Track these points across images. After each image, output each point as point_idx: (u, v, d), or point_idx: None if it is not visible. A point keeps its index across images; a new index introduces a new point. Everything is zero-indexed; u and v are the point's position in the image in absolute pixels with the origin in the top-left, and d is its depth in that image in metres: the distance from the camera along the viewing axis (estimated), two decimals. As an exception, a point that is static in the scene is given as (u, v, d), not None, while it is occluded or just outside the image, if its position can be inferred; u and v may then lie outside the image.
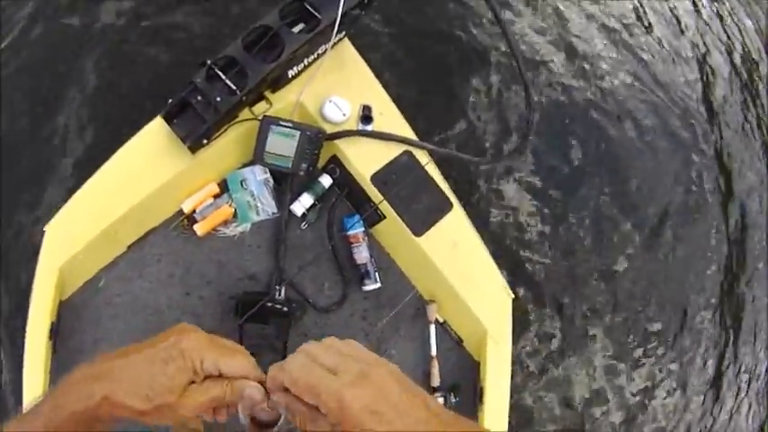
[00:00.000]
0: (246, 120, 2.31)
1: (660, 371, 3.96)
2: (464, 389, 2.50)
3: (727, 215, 4.34)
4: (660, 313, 4.04)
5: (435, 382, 2.48)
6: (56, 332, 2.21)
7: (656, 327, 4.01)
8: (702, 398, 4.05)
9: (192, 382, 0.90)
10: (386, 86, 2.52)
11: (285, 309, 2.37)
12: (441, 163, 2.52)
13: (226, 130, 2.28)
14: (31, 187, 3.33)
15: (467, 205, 2.55)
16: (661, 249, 4.12)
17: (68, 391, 0.89)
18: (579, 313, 3.87)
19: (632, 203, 4.13)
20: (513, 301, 2.49)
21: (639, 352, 3.95)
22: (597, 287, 3.93)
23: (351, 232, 2.49)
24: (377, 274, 2.51)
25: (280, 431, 0.96)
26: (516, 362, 3.60)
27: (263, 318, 2.32)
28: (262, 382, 0.92)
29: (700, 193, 4.31)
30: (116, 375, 0.89)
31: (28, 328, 2.15)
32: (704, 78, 4.69)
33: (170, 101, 2.17)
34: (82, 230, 2.22)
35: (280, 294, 2.42)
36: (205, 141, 2.23)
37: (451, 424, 0.78)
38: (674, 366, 4.00)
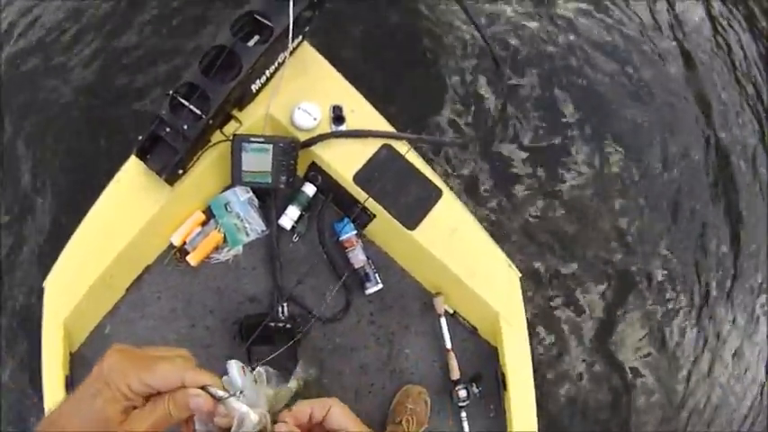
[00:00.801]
0: (219, 142, 2.27)
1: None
2: (486, 377, 2.46)
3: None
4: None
5: (455, 374, 2.44)
6: (71, 385, 2.20)
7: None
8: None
9: (135, 407, 0.82)
10: (354, 82, 2.47)
11: (288, 326, 2.34)
12: (422, 151, 2.47)
13: (200, 156, 2.25)
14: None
15: (455, 190, 2.49)
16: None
17: None
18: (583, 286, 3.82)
19: (625, 166, 4.05)
20: (520, 279, 2.43)
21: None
22: (597, 260, 3.88)
23: (343, 237, 2.46)
24: (377, 275, 2.48)
25: None
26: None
27: (268, 338, 2.29)
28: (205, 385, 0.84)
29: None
30: (63, 423, 0.80)
31: (44, 386, 2.15)
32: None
33: (140, 137, 2.14)
34: (79, 281, 2.22)
35: (282, 312, 2.41)
36: (181, 171, 2.20)
37: None
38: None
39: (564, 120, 3.99)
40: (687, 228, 4.02)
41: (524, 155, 3.88)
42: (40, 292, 2.23)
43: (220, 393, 0.84)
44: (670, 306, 3.90)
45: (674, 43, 4.40)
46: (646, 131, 4.12)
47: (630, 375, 3.78)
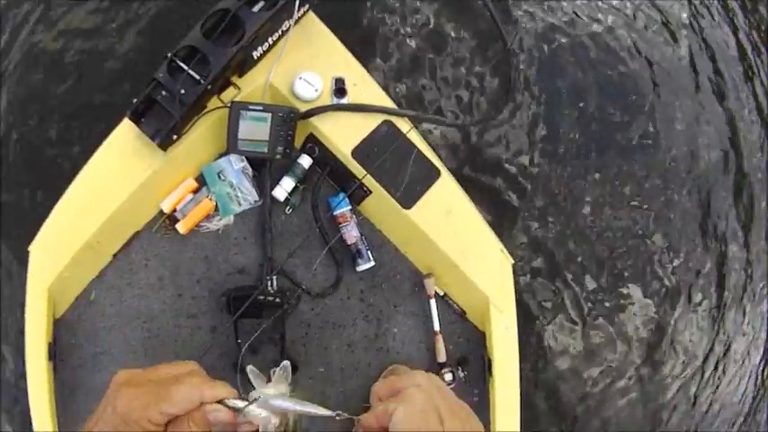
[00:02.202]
0: (216, 108, 2.21)
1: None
2: (472, 362, 2.44)
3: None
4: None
5: (441, 357, 2.42)
6: (54, 352, 2.18)
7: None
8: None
9: None
10: (359, 57, 2.42)
11: (278, 300, 2.29)
12: (421, 130, 2.43)
13: (195, 122, 2.18)
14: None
15: (453, 172, 2.45)
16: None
17: None
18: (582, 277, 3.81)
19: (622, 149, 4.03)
20: (513, 265, 2.41)
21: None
22: (597, 247, 3.87)
23: (337, 212, 2.40)
24: (369, 252, 2.43)
25: None
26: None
27: (257, 312, 2.24)
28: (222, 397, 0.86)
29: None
30: None
31: (26, 352, 2.12)
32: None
33: (134, 100, 2.08)
34: (65, 246, 2.17)
35: (271, 285, 2.35)
36: (175, 137, 2.14)
37: None
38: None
39: (568, 110, 3.95)
40: (690, 221, 4.03)
41: (526, 141, 3.84)
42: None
43: (239, 404, 0.87)
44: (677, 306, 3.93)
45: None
46: (661, 124, 4.09)
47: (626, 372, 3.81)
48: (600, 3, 4.20)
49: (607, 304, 3.81)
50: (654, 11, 4.27)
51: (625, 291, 3.85)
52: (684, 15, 4.33)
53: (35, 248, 2.16)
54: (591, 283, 3.81)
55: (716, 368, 3.96)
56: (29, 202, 3.29)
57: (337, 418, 0.93)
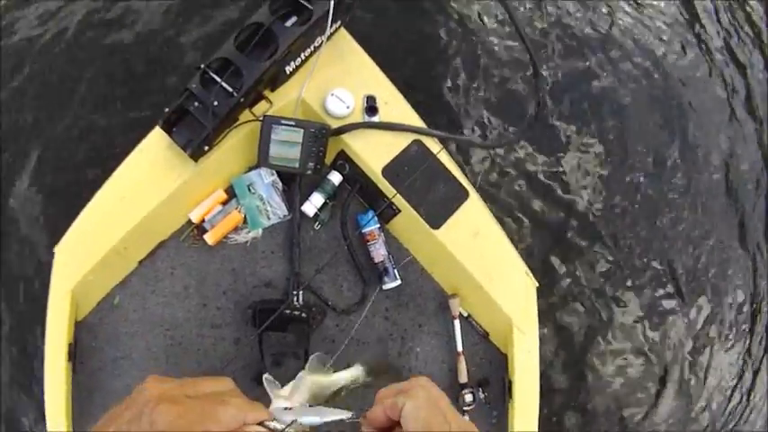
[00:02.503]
0: (247, 122, 2.22)
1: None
2: (492, 383, 2.42)
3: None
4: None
5: (463, 378, 2.39)
6: (74, 354, 2.18)
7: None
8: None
9: None
10: (388, 75, 2.43)
11: (304, 315, 2.29)
12: (450, 150, 2.43)
13: (227, 134, 2.20)
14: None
15: (480, 192, 2.45)
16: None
17: None
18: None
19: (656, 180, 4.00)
20: (537, 289, 2.40)
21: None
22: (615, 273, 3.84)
23: (366, 229, 2.40)
24: (396, 271, 2.42)
25: None
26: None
27: (282, 325, 2.23)
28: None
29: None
30: None
31: (46, 352, 2.12)
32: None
33: (166, 110, 2.09)
34: (91, 250, 2.18)
35: (297, 300, 2.34)
36: (207, 148, 2.15)
37: None
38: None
39: (595, 129, 3.95)
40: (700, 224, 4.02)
41: (554, 161, 3.83)
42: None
43: (279, 427, 0.89)
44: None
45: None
46: (696, 139, 4.10)
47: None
48: (632, 22, 4.20)
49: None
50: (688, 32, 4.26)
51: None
52: (716, 36, 4.33)
53: (60, 250, 2.17)
54: (624, 312, 3.78)
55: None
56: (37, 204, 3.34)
57: (359, 419, 0.95)
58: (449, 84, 3.82)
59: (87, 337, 2.28)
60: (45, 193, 3.34)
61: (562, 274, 3.73)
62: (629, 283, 3.82)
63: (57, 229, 2.21)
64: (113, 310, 2.32)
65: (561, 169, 3.85)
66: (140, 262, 2.36)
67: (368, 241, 2.41)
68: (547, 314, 3.62)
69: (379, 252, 2.40)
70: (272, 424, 0.87)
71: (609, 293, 3.78)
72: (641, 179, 3.94)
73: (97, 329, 2.30)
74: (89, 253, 2.17)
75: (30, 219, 3.30)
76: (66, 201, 3.18)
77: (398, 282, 2.42)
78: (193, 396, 0.82)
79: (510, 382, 2.36)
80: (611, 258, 3.81)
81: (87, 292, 2.25)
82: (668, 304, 3.85)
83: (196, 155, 2.16)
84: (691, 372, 3.83)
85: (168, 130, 2.14)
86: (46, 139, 3.41)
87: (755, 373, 3.94)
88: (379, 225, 2.42)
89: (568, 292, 3.72)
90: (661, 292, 3.85)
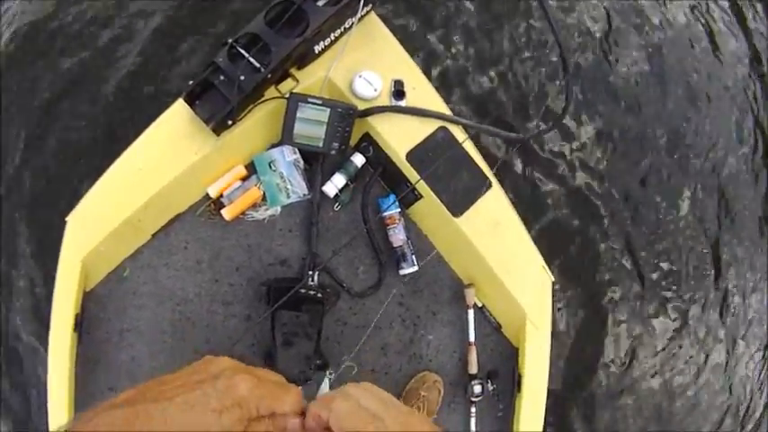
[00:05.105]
0: (273, 98, 2.15)
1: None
2: (502, 375, 2.41)
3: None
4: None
5: (473, 369, 2.39)
6: (80, 324, 2.13)
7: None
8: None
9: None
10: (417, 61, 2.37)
11: (319, 295, 2.25)
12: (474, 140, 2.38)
13: (251, 110, 2.13)
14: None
15: (502, 183, 2.41)
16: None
17: None
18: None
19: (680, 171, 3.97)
20: (552, 284, 2.38)
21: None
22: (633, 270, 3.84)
23: (386, 213, 2.35)
24: (413, 257, 2.38)
25: None
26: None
27: (295, 305, 2.18)
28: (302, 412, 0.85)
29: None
30: (156, 425, 0.73)
31: (52, 321, 2.07)
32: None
33: (191, 82, 2.02)
34: (104, 220, 2.12)
35: (312, 280, 2.31)
36: (230, 122, 2.09)
37: None
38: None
39: (623, 123, 3.94)
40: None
41: (579, 157, 3.81)
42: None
43: None
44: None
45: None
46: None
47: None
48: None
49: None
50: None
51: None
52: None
53: (73, 219, 2.11)
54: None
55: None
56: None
57: None
58: (474, 75, 3.75)
59: (95, 308, 2.23)
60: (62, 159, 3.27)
61: (577, 269, 3.72)
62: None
63: (73, 198, 2.15)
64: (123, 282, 2.27)
65: (591, 160, 3.84)
66: (154, 235, 2.30)
67: (387, 225, 2.37)
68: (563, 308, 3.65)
69: (398, 237, 2.36)
70: None
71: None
72: (661, 165, 3.93)
73: (106, 300, 2.25)
74: (102, 223, 2.12)
75: (40, 186, 3.24)
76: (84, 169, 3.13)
77: (416, 268, 2.39)
78: (265, 378, 0.84)
79: (520, 376, 2.35)
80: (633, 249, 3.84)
81: (98, 262, 2.19)
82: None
83: (219, 129, 2.10)
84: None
85: (191, 102, 2.07)
86: (68, 103, 3.33)
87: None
88: (399, 210, 2.37)
89: (585, 286, 3.73)
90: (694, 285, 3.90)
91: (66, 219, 2.12)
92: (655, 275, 3.84)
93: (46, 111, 3.28)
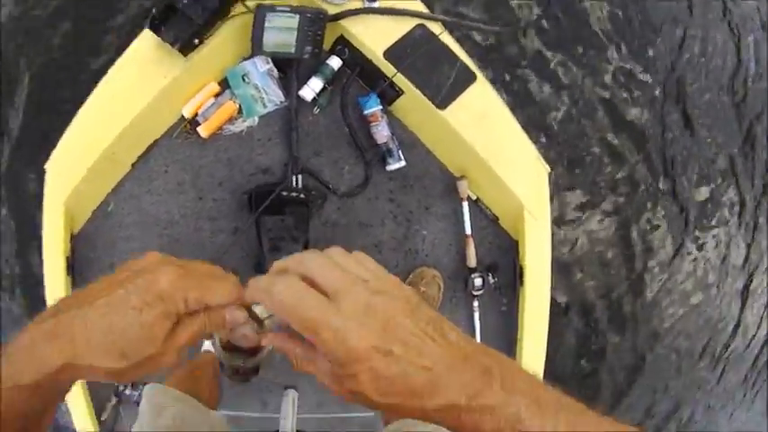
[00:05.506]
0: (240, 14, 2.29)
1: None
2: (502, 268, 2.64)
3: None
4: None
5: (472, 262, 2.62)
6: (72, 267, 2.36)
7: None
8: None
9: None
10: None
11: (302, 196, 2.47)
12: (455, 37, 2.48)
13: (219, 27, 2.28)
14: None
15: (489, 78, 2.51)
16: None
17: (15, 360, 0.75)
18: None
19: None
20: (549, 174, 2.59)
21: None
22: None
23: (368, 111, 2.54)
24: (400, 152, 2.58)
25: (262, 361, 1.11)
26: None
27: (279, 209, 2.43)
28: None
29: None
30: (77, 332, 0.76)
31: (45, 269, 2.30)
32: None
33: (153, 10, 2.13)
34: (80, 159, 2.33)
35: (296, 182, 2.52)
36: (196, 41, 2.25)
37: (472, 353, 0.72)
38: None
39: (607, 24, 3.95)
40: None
41: (562, 50, 3.85)
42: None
43: (264, 314, 0.90)
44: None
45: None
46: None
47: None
48: None
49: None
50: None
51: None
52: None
53: (51, 165, 2.33)
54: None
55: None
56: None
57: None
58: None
59: (85, 248, 2.46)
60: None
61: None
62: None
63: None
64: (108, 217, 2.51)
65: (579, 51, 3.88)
66: (133, 165, 2.50)
67: (370, 123, 2.56)
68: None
69: (381, 133, 2.56)
70: (258, 309, 0.89)
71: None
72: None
73: (94, 239, 2.49)
74: (79, 162, 2.33)
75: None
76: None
77: (403, 163, 2.60)
78: (195, 270, 0.86)
79: (522, 268, 2.56)
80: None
81: (80, 202, 2.42)
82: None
83: (186, 49, 2.27)
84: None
85: (157, 29, 2.21)
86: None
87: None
88: (381, 107, 2.55)
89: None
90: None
91: (45, 167, 2.29)
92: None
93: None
